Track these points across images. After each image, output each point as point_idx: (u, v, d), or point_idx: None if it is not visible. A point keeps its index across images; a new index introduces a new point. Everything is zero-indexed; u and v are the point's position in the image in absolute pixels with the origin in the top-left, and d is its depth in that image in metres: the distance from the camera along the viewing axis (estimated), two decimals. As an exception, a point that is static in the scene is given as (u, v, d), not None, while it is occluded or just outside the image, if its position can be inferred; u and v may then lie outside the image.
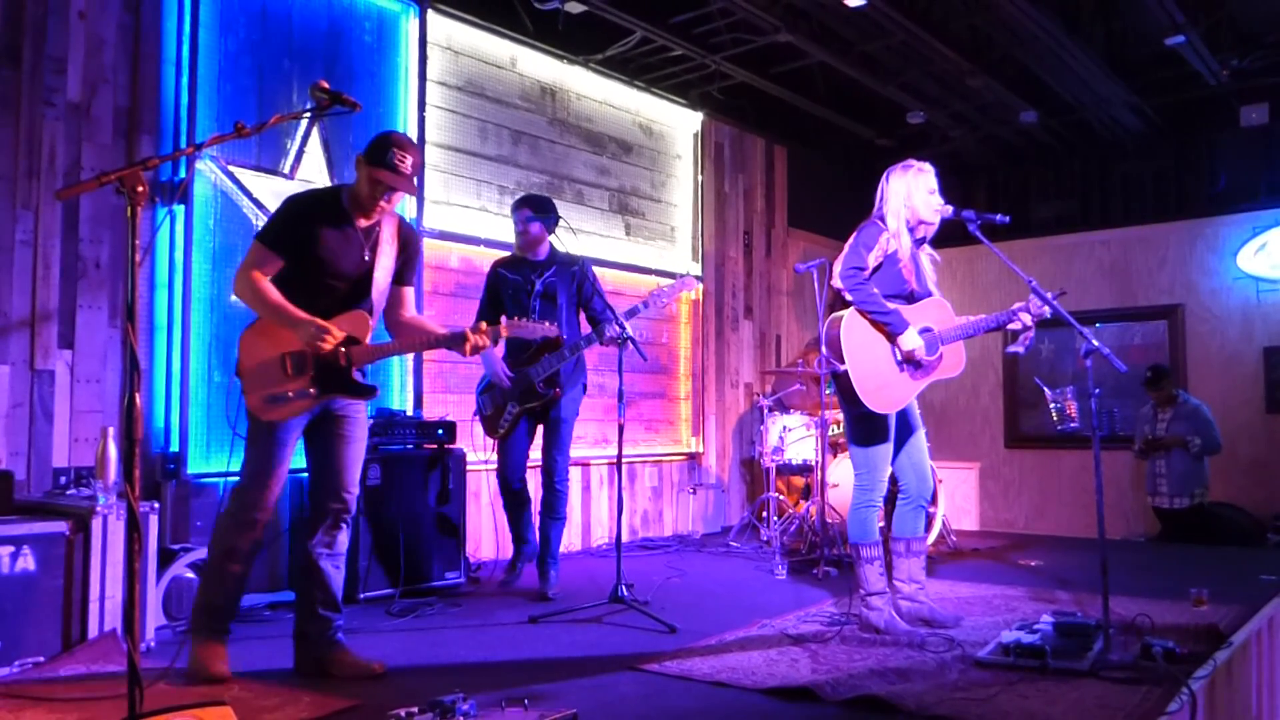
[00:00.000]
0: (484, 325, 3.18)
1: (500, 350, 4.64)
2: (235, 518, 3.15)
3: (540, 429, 4.70)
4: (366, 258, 3.22)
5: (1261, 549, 6.62)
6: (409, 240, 3.38)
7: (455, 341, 3.15)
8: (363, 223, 3.23)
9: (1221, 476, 7.20)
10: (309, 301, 3.12)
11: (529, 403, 4.55)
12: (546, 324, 3.33)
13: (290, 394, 3.08)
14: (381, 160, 3.12)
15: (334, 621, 3.26)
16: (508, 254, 4.91)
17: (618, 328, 4.33)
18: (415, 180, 3.25)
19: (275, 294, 3.12)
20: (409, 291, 3.42)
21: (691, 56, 6.62)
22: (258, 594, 4.48)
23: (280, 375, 3.09)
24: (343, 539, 3.30)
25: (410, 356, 5.29)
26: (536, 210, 4.65)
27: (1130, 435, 7.48)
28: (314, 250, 3.15)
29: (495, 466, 4.80)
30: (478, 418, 4.76)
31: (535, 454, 4.79)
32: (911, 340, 3.72)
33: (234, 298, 3.50)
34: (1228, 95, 7.46)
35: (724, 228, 7.75)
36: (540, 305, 4.61)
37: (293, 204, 3.25)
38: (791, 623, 3.97)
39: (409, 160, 3.15)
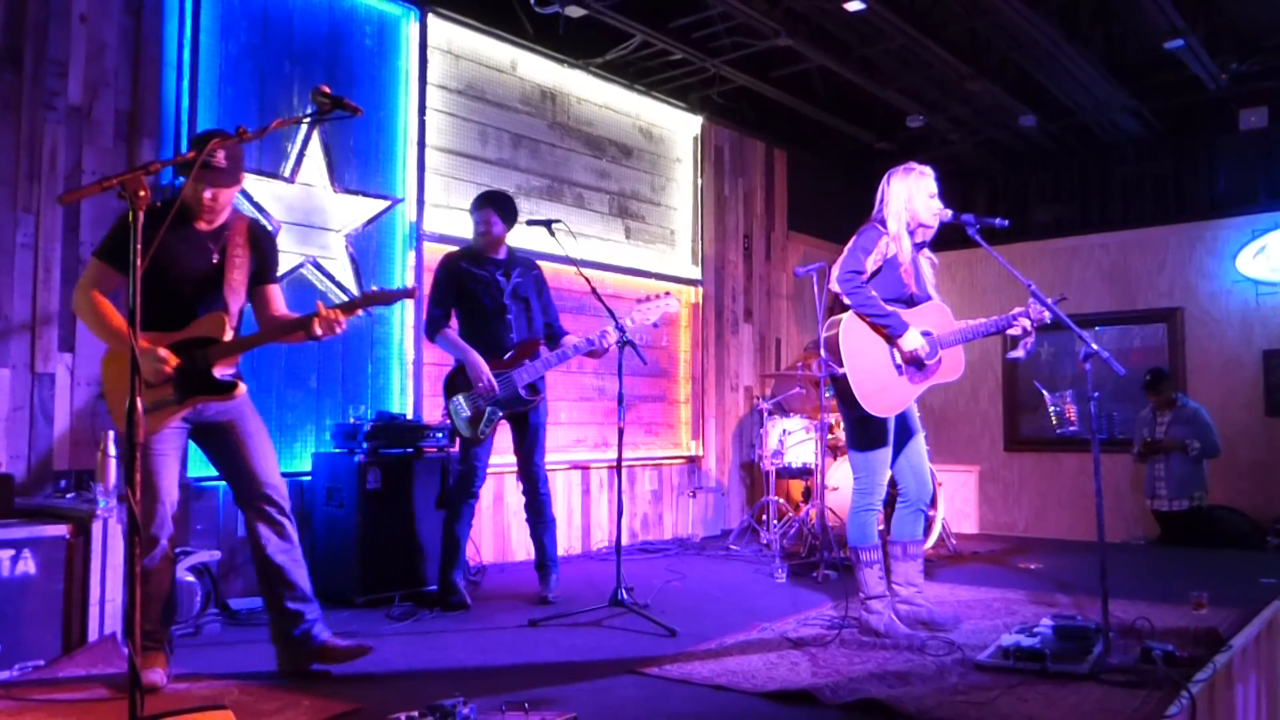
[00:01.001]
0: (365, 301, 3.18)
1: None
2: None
3: (504, 434, 4.60)
4: (215, 260, 3.21)
5: (1261, 552, 6.62)
6: (261, 239, 3.37)
7: (306, 323, 3.13)
8: (204, 227, 3.21)
9: (1221, 479, 7.21)
10: (160, 309, 3.09)
11: (513, 409, 4.49)
12: (407, 286, 3.28)
13: (150, 404, 3.03)
14: (201, 162, 3.06)
15: (305, 614, 3.24)
16: (458, 249, 4.77)
17: (617, 332, 4.36)
18: (236, 173, 3.20)
19: (115, 319, 3.10)
20: (274, 289, 3.40)
21: (691, 60, 6.63)
22: (257, 597, 4.48)
23: (142, 389, 3.06)
24: (289, 530, 3.28)
25: (410, 362, 5.30)
26: (500, 210, 4.59)
27: (1130, 439, 7.49)
28: (155, 259, 3.07)
29: (458, 475, 4.55)
30: (449, 420, 4.52)
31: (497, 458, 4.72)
32: (913, 340, 3.72)
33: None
34: (1226, 99, 7.47)
35: (724, 231, 7.76)
36: (514, 305, 4.57)
37: (129, 216, 3.22)
38: (791, 626, 3.97)
39: (220, 154, 3.10)
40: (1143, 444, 7.11)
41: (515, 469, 4.67)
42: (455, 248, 5.54)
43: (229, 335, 3.17)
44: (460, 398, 4.45)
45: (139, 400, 2.07)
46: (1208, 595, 4.20)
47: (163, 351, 3.01)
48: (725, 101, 7.53)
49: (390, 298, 3.27)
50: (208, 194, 3.14)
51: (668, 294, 4.56)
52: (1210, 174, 8.05)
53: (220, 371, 3.17)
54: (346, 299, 3.20)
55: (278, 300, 3.41)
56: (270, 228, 3.38)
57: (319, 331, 3.11)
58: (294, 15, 4.94)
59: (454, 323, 4.60)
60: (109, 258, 3.14)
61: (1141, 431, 7.22)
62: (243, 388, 3.23)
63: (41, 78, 4.06)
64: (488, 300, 4.54)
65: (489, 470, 4.57)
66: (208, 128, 4.50)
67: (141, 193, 2.08)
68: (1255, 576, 5.03)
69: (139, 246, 2.08)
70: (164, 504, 3.12)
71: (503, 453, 4.77)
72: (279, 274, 4.72)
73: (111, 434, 3.63)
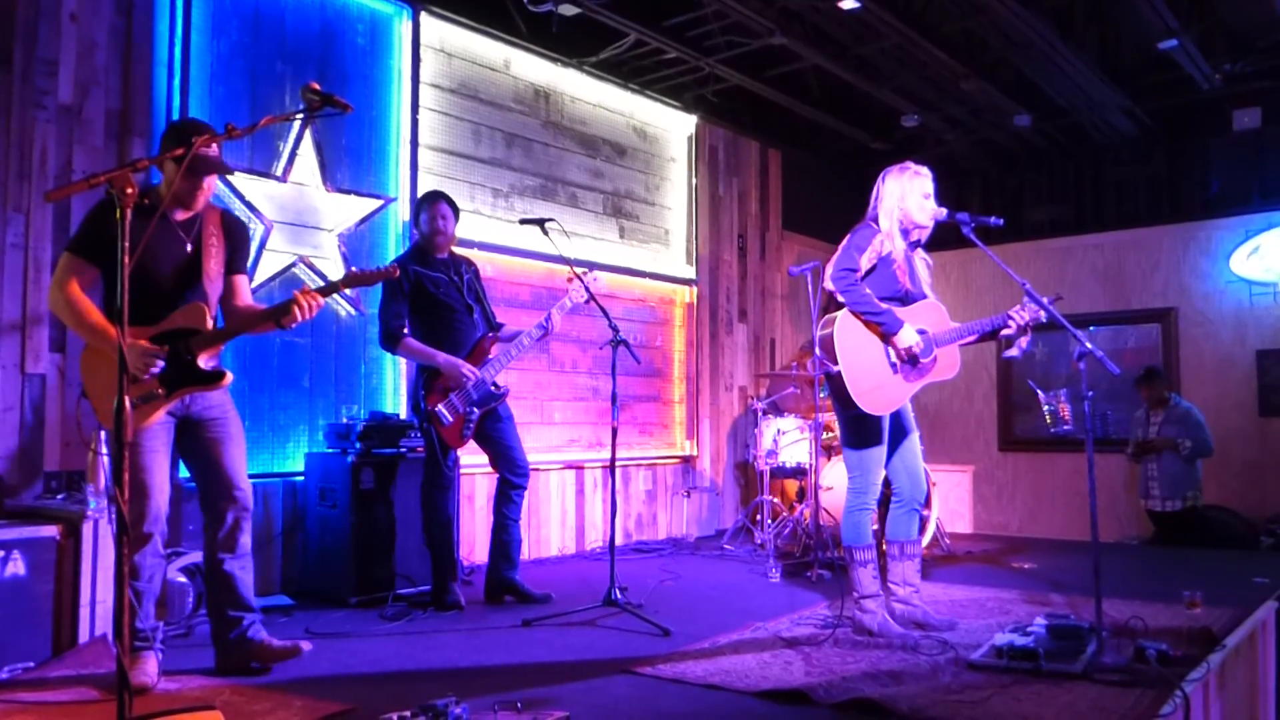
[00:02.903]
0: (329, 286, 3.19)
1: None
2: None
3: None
4: (189, 250, 3.20)
5: (1254, 552, 6.62)
6: (234, 229, 3.37)
7: (284, 310, 3.11)
8: (181, 216, 3.20)
9: (1215, 479, 7.21)
10: (139, 302, 3.03)
11: (488, 405, 4.46)
12: (386, 266, 3.28)
13: (138, 400, 3.00)
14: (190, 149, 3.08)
15: (243, 619, 3.25)
16: (403, 253, 4.74)
17: (613, 330, 4.37)
18: (222, 159, 3.26)
19: (94, 315, 3.06)
20: (241, 279, 3.39)
21: (685, 59, 6.63)
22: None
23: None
24: (245, 540, 3.27)
25: (404, 362, 5.27)
26: (453, 207, 4.58)
27: (1124, 438, 7.49)
28: (132, 252, 3.08)
29: (433, 479, 4.43)
30: (433, 430, 4.36)
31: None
32: (908, 337, 3.70)
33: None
34: (1220, 99, 7.48)
35: (718, 231, 7.75)
36: (473, 302, 4.55)
37: (100, 209, 3.16)
38: (785, 626, 3.97)
39: (212, 144, 3.06)
40: (1135, 444, 7.11)
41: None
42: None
43: (209, 325, 3.17)
44: (441, 408, 4.37)
45: (125, 399, 2.04)
46: (1201, 595, 4.20)
47: (146, 344, 2.99)
48: (720, 101, 7.52)
49: (370, 278, 3.24)
50: (205, 183, 3.15)
51: (569, 279, 4.53)
52: (1204, 174, 8.05)
53: (205, 361, 3.16)
54: (324, 284, 3.17)
55: (244, 290, 3.39)
56: (246, 221, 3.37)
57: (298, 316, 3.09)
58: (286, 14, 4.92)
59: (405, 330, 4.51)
60: (82, 252, 3.11)
61: (1136, 432, 7.22)
62: (229, 377, 3.22)
63: (31, 77, 4.04)
64: (454, 301, 4.50)
65: (484, 472, 4.54)
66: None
67: (130, 189, 2.06)
68: (1248, 576, 5.03)
69: (126, 244, 2.06)
70: (154, 500, 3.10)
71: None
72: (272, 273, 4.77)
73: (102, 433, 3.62)
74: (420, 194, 4.75)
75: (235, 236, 3.36)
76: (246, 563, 3.29)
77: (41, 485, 3.94)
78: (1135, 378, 7.11)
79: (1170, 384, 7.48)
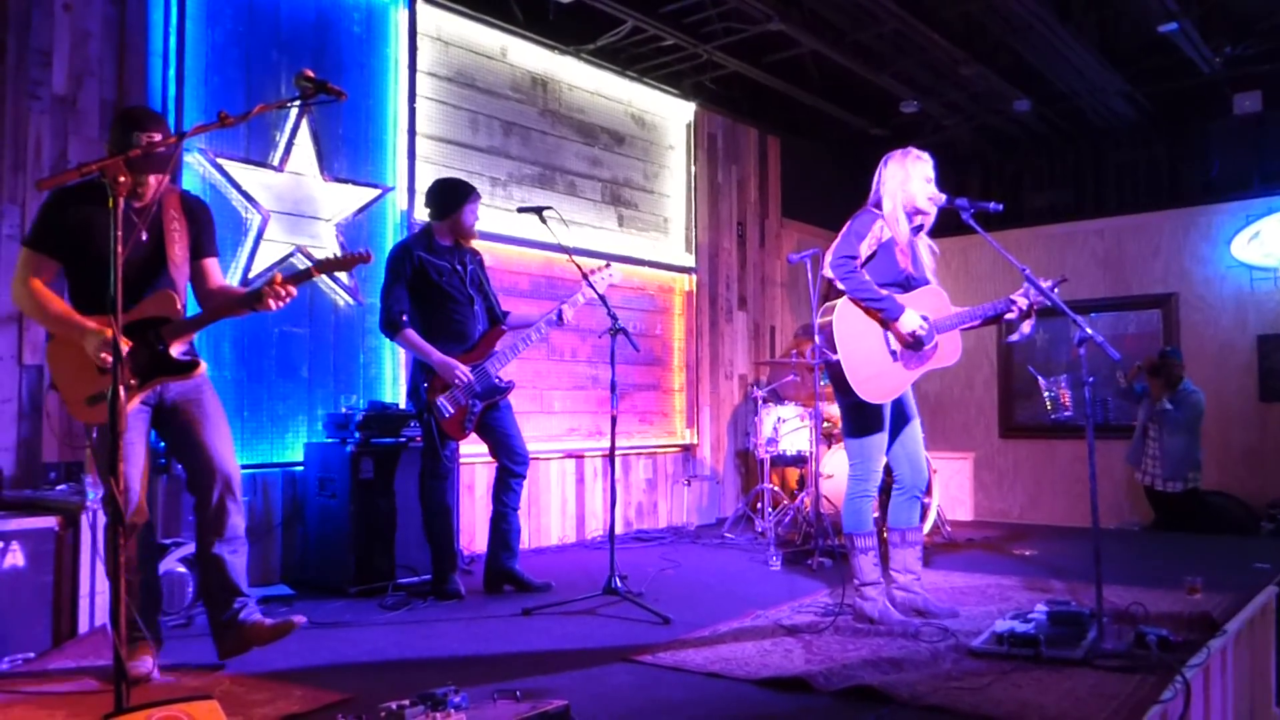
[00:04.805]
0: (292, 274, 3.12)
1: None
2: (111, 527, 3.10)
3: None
4: (144, 237, 3.14)
5: (1255, 537, 6.63)
6: (195, 211, 3.30)
7: (257, 299, 3.06)
8: (137, 203, 3.14)
9: (1215, 465, 7.21)
10: (100, 294, 2.95)
11: (492, 399, 4.44)
12: (361, 251, 3.19)
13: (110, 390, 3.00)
14: (129, 144, 2.99)
15: (234, 602, 3.22)
16: (407, 237, 4.68)
17: (611, 319, 4.36)
18: (172, 156, 3.21)
19: (57, 304, 3.04)
20: (211, 263, 3.33)
21: (683, 46, 6.60)
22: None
23: (94, 375, 2.96)
24: (234, 522, 3.23)
25: (403, 351, 5.26)
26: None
27: (1124, 425, 7.47)
28: (85, 241, 3.03)
29: (431, 469, 4.40)
30: (432, 420, 4.34)
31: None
32: (911, 321, 3.68)
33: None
34: (1220, 83, 7.44)
35: (717, 219, 7.73)
36: (476, 294, 4.53)
37: (52, 199, 3.11)
38: (785, 613, 3.96)
39: (157, 137, 3.03)
40: (1134, 368, 7.09)
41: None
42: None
43: (180, 313, 3.13)
44: (442, 399, 4.34)
45: (120, 389, 2.03)
46: (1201, 580, 4.20)
47: (108, 332, 2.97)
48: (718, 88, 7.49)
49: (345, 263, 3.17)
50: (150, 177, 3.10)
51: (607, 265, 4.54)
52: (1205, 159, 8.02)
53: (177, 350, 3.13)
54: (297, 271, 3.14)
55: (216, 274, 3.34)
56: (208, 201, 3.35)
57: (271, 305, 3.05)
58: (281, 3, 4.89)
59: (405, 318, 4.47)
60: (40, 246, 3.08)
61: (1147, 409, 7.13)
62: (203, 365, 3.19)
63: (25, 67, 4.02)
64: (455, 292, 4.46)
65: (483, 462, 4.53)
66: (197, 117, 4.47)
67: (122, 178, 2.04)
68: (1249, 561, 5.03)
69: (120, 233, 2.04)
70: (133, 489, 3.08)
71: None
72: (270, 263, 4.75)
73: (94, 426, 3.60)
74: (441, 183, 4.59)
75: (198, 219, 3.30)
76: (237, 546, 3.25)
77: (40, 477, 3.93)
78: (1158, 352, 7.07)
79: (1179, 371, 7.43)
